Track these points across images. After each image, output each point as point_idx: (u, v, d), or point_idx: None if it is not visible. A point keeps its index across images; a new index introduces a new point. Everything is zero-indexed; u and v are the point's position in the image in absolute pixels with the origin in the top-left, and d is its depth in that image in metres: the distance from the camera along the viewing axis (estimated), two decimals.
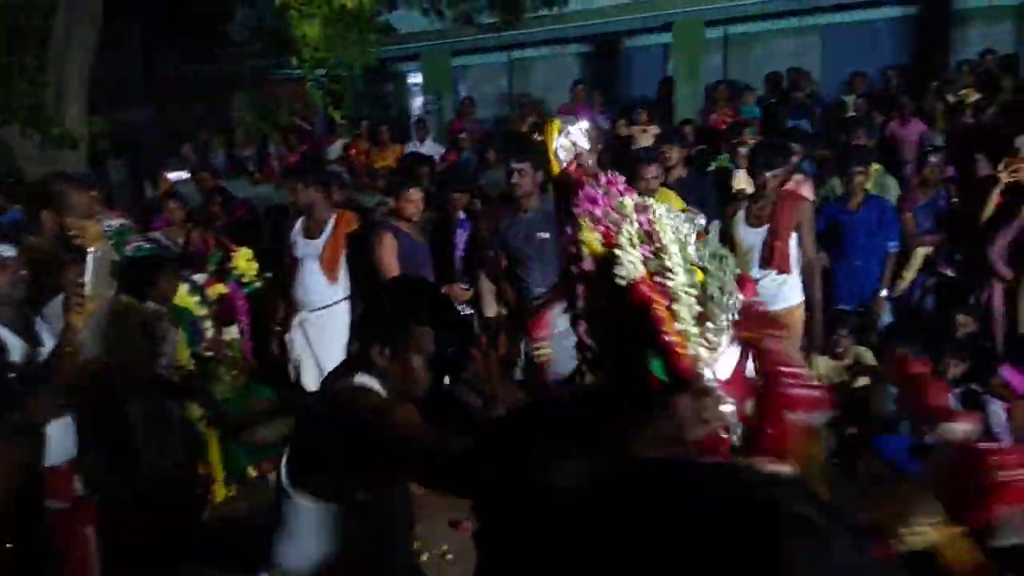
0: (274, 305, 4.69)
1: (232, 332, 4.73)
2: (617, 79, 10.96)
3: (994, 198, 4.66)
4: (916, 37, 9.92)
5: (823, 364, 4.51)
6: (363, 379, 1.79)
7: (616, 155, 6.19)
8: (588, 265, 1.37)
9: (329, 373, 1.98)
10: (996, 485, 1.32)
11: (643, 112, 8.13)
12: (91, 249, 3.33)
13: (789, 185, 4.78)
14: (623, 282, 1.27)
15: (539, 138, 1.90)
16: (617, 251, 1.30)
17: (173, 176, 7.41)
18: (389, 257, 4.22)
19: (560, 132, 1.74)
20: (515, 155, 3.97)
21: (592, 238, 1.37)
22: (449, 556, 3.49)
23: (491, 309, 4.50)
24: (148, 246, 3.66)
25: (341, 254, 4.36)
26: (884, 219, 4.73)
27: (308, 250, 4.39)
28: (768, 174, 4.07)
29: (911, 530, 1.31)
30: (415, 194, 4.41)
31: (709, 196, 5.14)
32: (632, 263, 1.28)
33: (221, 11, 8.67)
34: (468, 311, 4.69)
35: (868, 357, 4.52)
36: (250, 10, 8.14)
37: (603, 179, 1.48)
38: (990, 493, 1.33)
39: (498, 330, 4.38)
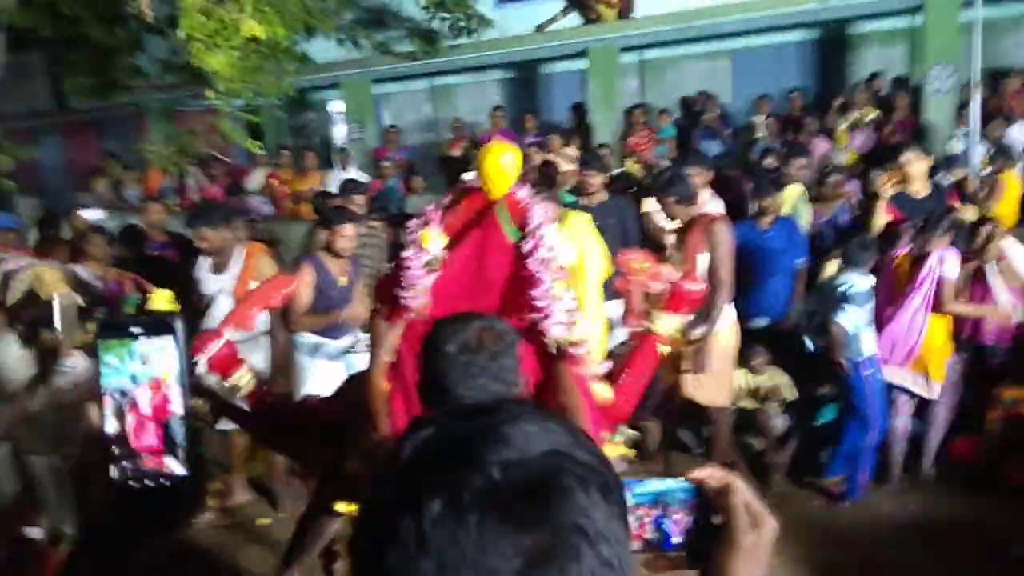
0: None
1: None
2: (536, 104, 11.12)
3: (882, 211, 4.86)
4: (818, 60, 10.43)
5: (740, 377, 4.67)
6: None
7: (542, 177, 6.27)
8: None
9: None
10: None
11: (554, 138, 8.24)
12: (55, 295, 3.15)
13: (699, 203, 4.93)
14: None
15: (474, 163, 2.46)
16: None
17: (88, 215, 7.12)
18: (304, 291, 4.20)
19: (502, 157, 2.35)
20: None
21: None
22: None
23: None
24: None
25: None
26: (792, 238, 4.94)
27: (218, 285, 4.30)
28: (670, 199, 4.20)
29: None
30: (348, 229, 4.27)
31: (629, 219, 5.26)
32: None
33: (130, 43, 8.41)
34: None
35: (783, 388, 4.73)
36: (161, 42, 7.92)
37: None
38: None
39: None
